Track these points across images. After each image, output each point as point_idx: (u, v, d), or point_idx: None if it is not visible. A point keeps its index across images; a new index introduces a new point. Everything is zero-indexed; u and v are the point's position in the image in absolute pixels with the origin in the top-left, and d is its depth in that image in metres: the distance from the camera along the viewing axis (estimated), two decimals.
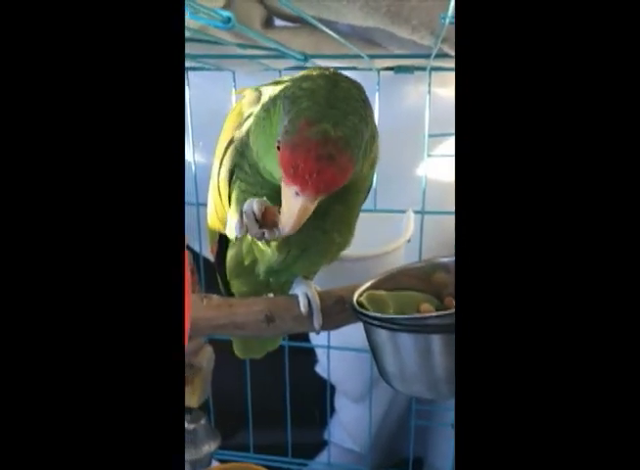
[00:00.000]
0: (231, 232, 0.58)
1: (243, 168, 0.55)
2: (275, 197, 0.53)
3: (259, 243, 0.58)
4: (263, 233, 0.50)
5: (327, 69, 0.49)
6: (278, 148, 0.45)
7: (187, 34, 0.61)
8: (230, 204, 0.58)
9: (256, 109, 0.53)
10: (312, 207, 0.45)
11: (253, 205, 0.50)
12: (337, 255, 0.63)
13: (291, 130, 0.43)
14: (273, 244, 0.57)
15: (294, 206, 0.45)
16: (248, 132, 0.53)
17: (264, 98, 0.53)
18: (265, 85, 0.56)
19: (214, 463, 1.01)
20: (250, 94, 0.57)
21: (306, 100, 0.44)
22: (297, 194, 0.44)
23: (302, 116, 0.43)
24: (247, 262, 0.63)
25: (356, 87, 0.47)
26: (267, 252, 0.59)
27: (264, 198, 0.51)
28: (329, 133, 0.42)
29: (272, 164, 0.47)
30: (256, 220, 0.49)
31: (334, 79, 0.46)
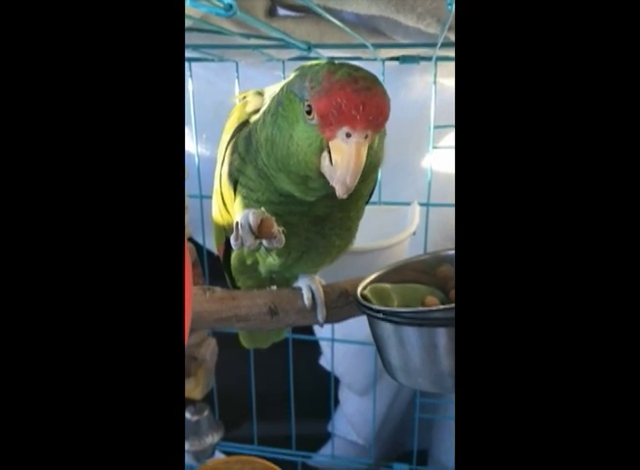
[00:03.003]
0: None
1: (245, 173, 0.54)
2: (277, 202, 0.52)
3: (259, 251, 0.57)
4: (260, 244, 0.49)
5: None
6: (308, 112, 0.43)
7: (189, 24, 0.60)
8: (234, 209, 0.57)
9: (262, 110, 0.52)
10: (364, 149, 0.43)
11: (249, 216, 0.49)
12: (337, 256, 0.63)
13: (316, 84, 0.43)
14: (273, 250, 0.57)
15: (347, 151, 0.42)
16: (252, 136, 0.52)
17: (268, 100, 0.52)
18: (268, 88, 0.56)
19: (218, 455, 1.02)
20: (252, 99, 0.56)
21: (316, 65, 0.44)
22: (347, 136, 0.42)
23: (320, 71, 0.43)
24: (249, 262, 0.63)
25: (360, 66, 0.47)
26: (268, 257, 0.59)
27: (262, 208, 0.50)
28: (353, 73, 0.42)
29: (302, 145, 0.45)
30: (252, 232, 0.48)
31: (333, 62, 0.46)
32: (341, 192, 0.43)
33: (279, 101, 0.48)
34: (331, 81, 0.42)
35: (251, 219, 0.48)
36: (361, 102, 0.41)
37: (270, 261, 0.60)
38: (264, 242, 0.49)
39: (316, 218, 0.46)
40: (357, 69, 0.44)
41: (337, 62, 0.46)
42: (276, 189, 0.52)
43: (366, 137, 0.42)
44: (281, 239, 0.49)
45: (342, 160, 0.43)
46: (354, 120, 0.41)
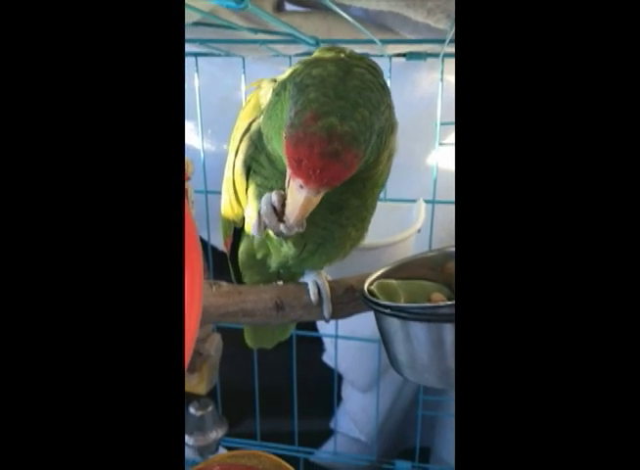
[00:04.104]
0: (250, 229, 0.57)
1: (259, 161, 0.54)
2: None
3: (274, 238, 0.57)
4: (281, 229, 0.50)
5: (342, 50, 0.47)
6: (284, 141, 0.43)
7: (197, 17, 0.60)
8: (247, 198, 0.57)
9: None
10: (316, 200, 0.45)
11: (272, 197, 0.49)
12: (350, 250, 0.63)
13: (296, 123, 0.42)
14: (289, 240, 0.57)
15: (298, 198, 0.44)
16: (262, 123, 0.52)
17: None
18: (281, 75, 0.55)
19: (221, 450, 1.02)
20: (266, 86, 0.55)
21: (314, 90, 0.42)
22: (300, 187, 0.43)
23: (309, 108, 0.41)
24: (259, 257, 0.63)
25: (371, 72, 0.45)
26: (283, 247, 0.59)
27: (282, 191, 0.50)
28: (335, 128, 0.40)
29: (280, 150, 0.46)
30: (276, 213, 0.49)
31: (347, 64, 0.44)
32: (287, 227, 0.47)
33: (285, 83, 0.47)
34: (307, 132, 0.41)
35: (275, 199, 0.49)
36: (321, 167, 0.41)
37: (285, 251, 0.59)
38: (282, 228, 0.49)
39: (332, 206, 0.46)
40: (346, 117, 0.41)
41: (335, 91, 0.42)
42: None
43: (318, 192, 0.44)
44: (303, 223, 0.49)
45: (290, 203, 0.45)
46: (308, 179, 0.42)
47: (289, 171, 0.44)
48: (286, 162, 0.44)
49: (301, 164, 0.42)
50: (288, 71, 0.49)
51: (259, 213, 0.50)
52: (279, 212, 0.49)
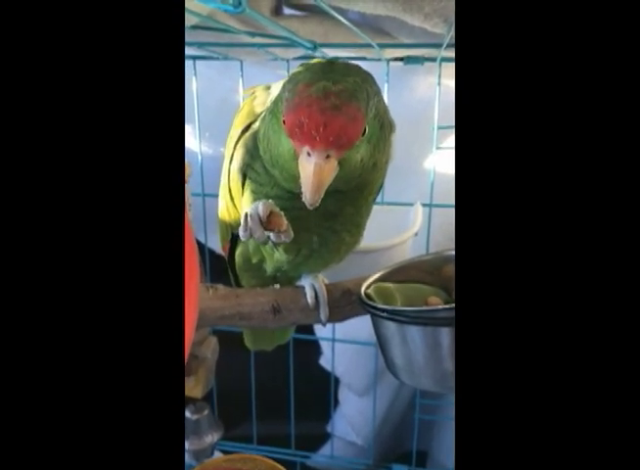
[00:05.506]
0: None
1: (254, 168, 0.54)
2: (285, 198, 0.52)
3: (266, 245, 0.57)
4: (268, 237, 0.49)
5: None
6: (284, 122, 0.43)
7: (196, 21, 0.60)
8: (242, 204, 0.57)
9: (265, 105, 0.52)
10: (329, 167, 0.42)
11: (259, 207, 0.49)
12: (345, 255, 0.63)
13: (290, 97, 0.42)
14: (281, 246, 0.57)
15: (308, 168, 0.42)
16: (258, 131, 0.52)
17: (274, 95, 0.52)
18: (275, 83, 0.56)
19: (217, 454, 1.01)
20: (261, 94, 0.56)
21: (302, 73, 0.44)
22: (308, 155, 0.42)
23: (300, 82, 0.42)
24: (254, 261, 0.63)
25: (356, 66, 0.46)
26: (275, 253, 0.59)
27: (270, 200, 0.50)
28: (329, 88, 0.41)
29: (284, 148, 0.46)
30: (261, 223, 0.48)
31: (329, 61, 0.46)
32: (307, 204, 0.44)
33: (275, 100, 0.48)
34: (302, 96, 0.41)
35: (261, 210, 0.48)
36: (323, 122, 0.40)
37: (278, 257, 0.59)
38: (272, 236, 0.49)
39: (327, 214, 0.46)
40: (338, 81, 0.42)
41: (322, 70, 0.44)
42: (282, 186, 0.52)
43: (328, 157, 0.42)
44: (289, 233, 0.49)
45: (303, 177, 0.43)
46: (313, 141, 0.41)
47: (296, 149, 0.43)
48: (290, 141, 0.43)
49: (303, 126, 0.41)
50: (277, 93, 0.50)
51: (246, 219, 0.50)
52: (264, 222, 0.48)
